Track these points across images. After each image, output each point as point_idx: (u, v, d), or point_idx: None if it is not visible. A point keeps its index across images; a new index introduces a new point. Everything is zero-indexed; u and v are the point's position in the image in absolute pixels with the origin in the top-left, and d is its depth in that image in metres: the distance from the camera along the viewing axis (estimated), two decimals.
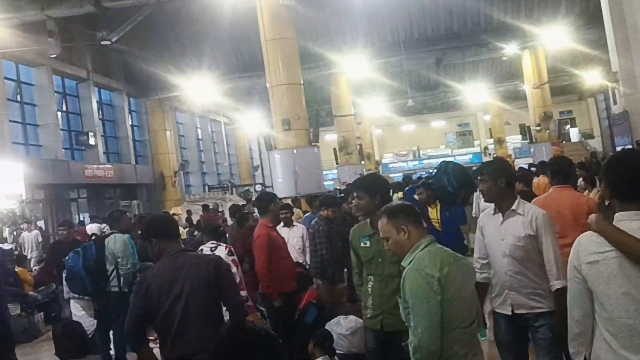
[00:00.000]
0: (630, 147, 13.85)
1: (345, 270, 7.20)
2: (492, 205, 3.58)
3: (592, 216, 2.17)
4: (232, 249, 5.95)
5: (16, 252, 12.43)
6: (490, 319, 3.64)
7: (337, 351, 4.66)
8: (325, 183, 15.82)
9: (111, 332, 6.46)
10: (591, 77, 24.66)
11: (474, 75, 27.74)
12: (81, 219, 18.52)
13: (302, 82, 13.50)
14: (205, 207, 16.18)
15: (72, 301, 7.56)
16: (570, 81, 28.65)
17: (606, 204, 3.58)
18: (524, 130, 26.99)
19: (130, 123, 23.27)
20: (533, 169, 13.27)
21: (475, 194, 9.75)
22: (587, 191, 6.72)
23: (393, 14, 20.56)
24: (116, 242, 6.31)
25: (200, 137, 30.09)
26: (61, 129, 19.00)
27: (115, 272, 6.29)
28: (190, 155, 28.10)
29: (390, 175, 25.72)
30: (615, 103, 18.19)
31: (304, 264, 6.93)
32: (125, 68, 22.60)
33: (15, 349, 8.08)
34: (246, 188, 29.85)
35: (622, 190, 2.09)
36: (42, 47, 15.50)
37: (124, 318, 6.17)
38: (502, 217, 3.47)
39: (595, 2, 18.57)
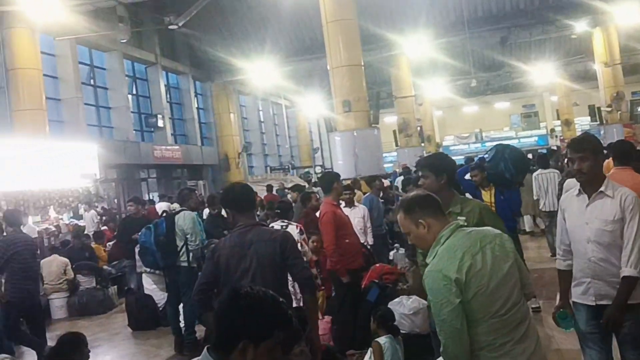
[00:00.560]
0: None
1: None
2: (576, 185, 3.30)
3: None
4: (302, 228, 6.04)
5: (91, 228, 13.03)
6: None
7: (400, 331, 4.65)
8: (384, 165, 15.69)
9: (181, 306, 6.66)
10: None
11: (540, 55, 26.62)
12: (150, 197, 19.20)
13: (362, 64, 13.38)
14: (269, 188, 16.41)
15: (144, 275, 7.90)
16: None
17: None
18: (594, 112, 25.74)
19: (196, 106, 23.83)
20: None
21: (533, 174, 9.43)
22: None
23: None
24: (185, 219, 6.48)
25: (262, 120, 30.48)
26: (131, 112, 19.68)
27: (184, 247, 6.48)
28: (253, 137, 28.52)
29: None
30: None
31: (365, 244, 6.92)
32: (191, 52, 23.10)
33: (91, 320, 8.57)
34: (306, 170, 30.11)
35: None
36: (114, 33, 16.07)
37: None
38: (588, 200, 3.17)
39: None
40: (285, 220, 5.95)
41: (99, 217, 13.78)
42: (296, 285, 5.63)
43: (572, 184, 3.45)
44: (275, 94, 28.85)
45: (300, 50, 22.15)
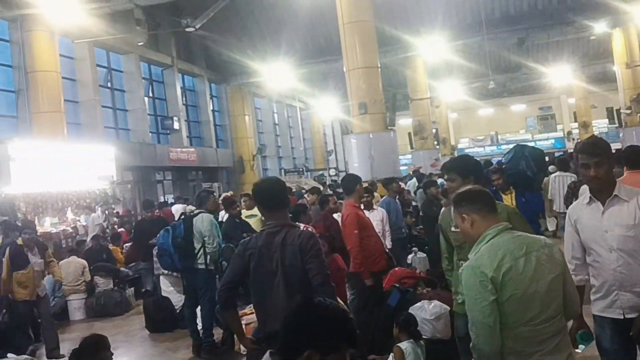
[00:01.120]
0: None
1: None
2: (586, 192, 3.06)
3: None
4: (313, 229, 5.95)
5: (108, 230, 13.11)
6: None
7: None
8: (400, 168, 15.59)
9: (198, 308, 6.64)
10: None
11: (558, 56, 26.35)
12: (165, 199, 19.27)
13: (379, 66, 13.31)
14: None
15: (161, 277, 7.91)
16: None
17: None
18: (612, 114, 25.45)
19: (211, 108, 23.91)
20: None
21: (551, 176, 9.32)
22: None
23: None
24: (203, 222, 6.47)
25: (276, 122, 30.52)
26: (148, 114, 19.79)
27: (202, 250, 6.46)
28: (268, 139, 28.55)
29: None
30: None
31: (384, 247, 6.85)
32: (207, 55, 23.20)
33: (108, 321, 8.60)
34: (320, 172, 30.07)
35: None
36: (131, 35, 16.17)
37: (211, 294, 6.42)
38: (603, 206, 2.95)
39: None
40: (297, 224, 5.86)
41: (113, 220, 13.85)
42: None
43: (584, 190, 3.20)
44: (290, 96, 28.88)
45: (316, 53, 22.14)
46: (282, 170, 28.88)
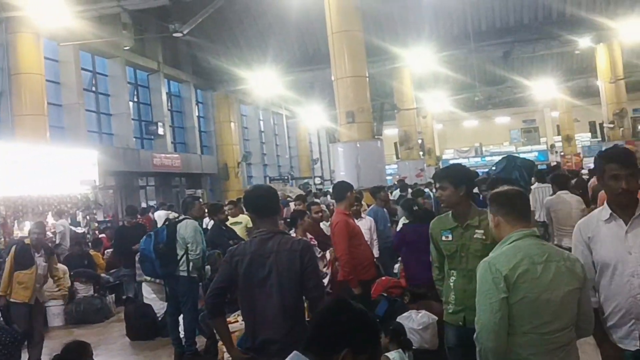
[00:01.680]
0: None
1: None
2: (597, 210, 2.81)
3: None
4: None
5: (89, 235, 12.93)
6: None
7: None
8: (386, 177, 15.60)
9: (181, 316, 6.54)
10: None
11: (542, 70, 26.71)
12: (147, 205, 19.07)
13: (367, 75, 13.35)
14: None
15: (143, 284, 7.78)
16: None
17: None
18: (594, 128, 25.80)
19: (197, 114, 23.79)
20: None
21: (532, 187, 9.44)
22: None
23: (461, 5, 20.02)
24: (187, 228, 6.36)
25: (262, 130, 30.46)
26: (132, 119, 19.60)
27: (185, 256, 6.36)
28: (253, 147, 28.46)
29: None
30: None
31: None
32: (193, 61, 23.11)
33: (88, 328, 8.43)
34: (305, 181, 30.04)
35: None
36: (117, 39, 16.04)
37: (193, 302, 6.32)
38: (626, 225, 2.65)
39: None
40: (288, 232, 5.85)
41: (94, 225, 13.68)
42: None
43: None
44: (277, 104, 28.86)
45: (303, 61, 22.17)
46: (267, 178, 28.79)
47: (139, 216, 11.04)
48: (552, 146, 36.30)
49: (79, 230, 13.32)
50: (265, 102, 27.88)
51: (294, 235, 5.88)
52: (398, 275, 7.23)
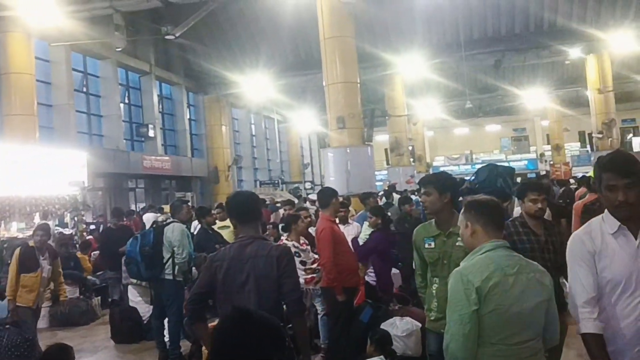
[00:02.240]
0: None
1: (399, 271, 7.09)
2: (597, 219, 2.52)
3: None
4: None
5: (76, 237, 12.84)
6: None
7: None
8: (375, 183, 15.63)
9: (166, 320, 6.51)
10: None
11: (533, 79, 26.92)
12: (136, 208, 18.99)
13: (358, 81, 13.40)
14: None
15: (129, 287, 7.74)
16: (635, 88, 27.42)
17: None
18: (584, 138, 26.02)
19: (188, 117, 23.74)
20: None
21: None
22: None
23: (453, 13, 20.16)
24: (174, 231, 6.35)
25: (254, 133, 30.44)
26: (123, 120, 19.54)
27: (171, 260, 6.34)
28: (244, 150, 28.43)
29: None
30: None
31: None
32: (185, 63, 23.07)
33: (73, 331, 8.38)
34: (296, 185, 30.05)
35: None
36: (109, 40, 15.99)
37: (178, 305, 6.30)
38: (636, 239, 2.40)
39: None
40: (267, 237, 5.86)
41: (82, 227, 13.57)
42: (300, 272, 5.57)
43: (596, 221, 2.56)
44: (269, 108, 28.87)
45: (295, 66, 22.20)
46: (257, 182, 28.77)
47: (125, 219, 11.00)
48: (542, 155, 36.52)
49: (67, 231, 13.23)
50: (257, 106, 27.88)
51: (285, 239, 5.90)
52: None
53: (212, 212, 8.88)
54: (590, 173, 14.15)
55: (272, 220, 10.52)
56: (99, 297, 9.61)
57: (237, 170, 26.79)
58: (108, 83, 18.74)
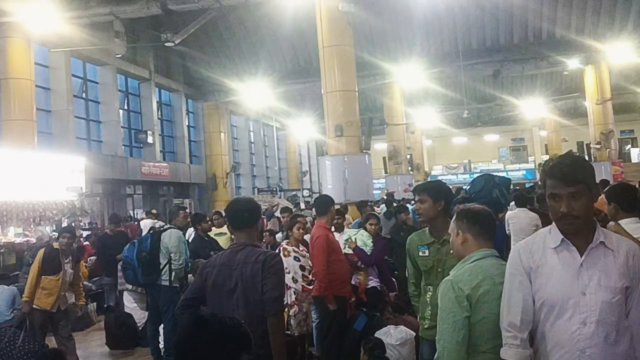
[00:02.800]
0: None
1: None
2: (544, 231, 2.25)
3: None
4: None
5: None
6: None
7: None
8: (373, 192, 15.66)
9: (162, 327, 6.51)
10: None
11: (531, 89, 27.02)
12: (134, 214, 18.98)
13: (356, 90, 13.46)
14: None
15: (125, 293, 7.74)
16: (633, 99, 27.52)
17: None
18: (582, 148, 26.03)
19: (187, 124, 23.78)
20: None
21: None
22: None
23: (452, 23, 20.28)
24: (171, 237, 6.38)
25: (252, 141, 30.49)
26: (122, 127, 19.57)
27: (167, 266, 6.35)
28: (242, 157, 28.47)
29: None
30: None
31: None
32: (185, 70, 23.15)
33: None
34: (294, 193, 30.05)
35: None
36: (109, 47, 16.05)
37: (174, 312, 6.28)
38: (581, 255, 2.10)
39: None
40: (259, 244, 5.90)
41: (79, 232, 13.56)
42: (298, 277, 5.56)
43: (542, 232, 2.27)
44: (267, 115, 28.94)
45: (294, 73, 22.29)
46: (256, 189, 28.77)
47: (122, 225, 10.99)
48: (540, 165, 36.53)
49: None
50: (255, 114, 27.95)
51: (285, 244, 5.90)
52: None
53: (211, 218, 8.90)
54: None
55: (268, 227, 10.53)
56: (95, 303, 9.59)
57: (235, 177, 26.80)
58: (107, 89, 18.79)
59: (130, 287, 7.35)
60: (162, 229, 6.66)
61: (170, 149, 23.14)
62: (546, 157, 34.44)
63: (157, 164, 20.32)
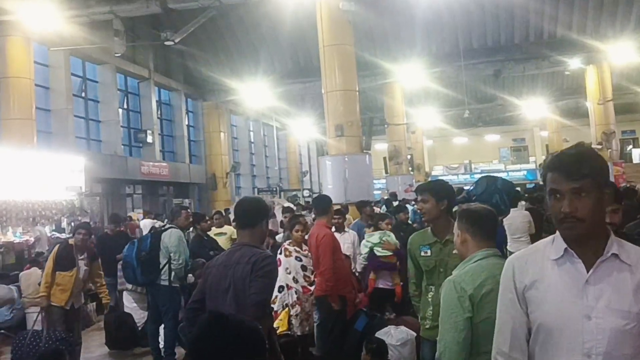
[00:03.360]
0: None
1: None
2: (545, 240, 1.85)
3: None
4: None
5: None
6: None
7: None
8: (374, 192, 15.66)
9: (162, 327, 6.52)
10: None
11: (532, 89, 27.03)
12: (130, 214, 18.95)
13: (357, 89, 13.46)
14: None
15: (124, 293, 7.75)
16: (635, 99, 27.53)
17: None
18: None
19: (186, 123, 23.78)
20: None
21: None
22: None
23: (452, 23, 20.28)
24: (171, 237, 6.39)
25: (252, 140, 30.50)
26: (121, 126, 19.57)
27: (167, 266, 6.36)
28: (242, 157, 28.47)
29: None
30: None
31: (353, 270, 6.84)
32: (185, 69, 23.15)
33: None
34: (294, 193, 30.03)
35: None
36: (108, 46, 16.06)
37: (174, 311, 6.31)
38: (588, 270, 1.71)
39: None
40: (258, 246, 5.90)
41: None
42: (299, 277, 5.55)
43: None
44: (267, 115, 28.95)
45: (295, 73, 22.29)
46: (256, 189, 28.77)
47: (122, 225, 10.98)
48: (541, 165, 36.57)
49: (63, 236, 13.23)
50: (255, 113, 27.96)
51: (287, 244, 5.90)
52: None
53: (212, 218, 8.91)
54: None
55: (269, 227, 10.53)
56: (94, 303, 9.59)
57: (235, 177, 26.81)
58: (107, 88, 18.79)
59: (130, 286, 7.37)
60: (162, 228, 6.67)
61: (170, 148, 23.15)
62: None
63: (156, 164, 20.33)
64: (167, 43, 15.58)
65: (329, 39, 13.01)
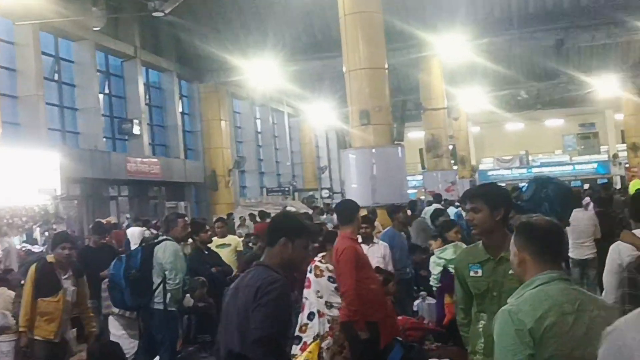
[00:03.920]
0: None
1: None
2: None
3: None
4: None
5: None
6: None
7: None
8: (408, 191, 15.64)
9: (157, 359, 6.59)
10: None
11: (604, 63, 26.69)
12: (119, 220, 19.16)
13: (386, 67, 13.45)
14: (262, 214, 16.36)
15: (110, 318, 7.83)
16: None
17: None
18: None
19: (180, 110, 23.99)
20: None
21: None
22: None
23: None
24: (166, 252, 6.39)
25: (259, 130, 30.63)
26: (102, 115, 19.79)
27: (162, 286, 6.40)
28: (248, 151, 28.62)
29: None
30: None
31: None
32: (177, 46, 23.30)
33: None
34: (310, 193, 30.11)
35: None
36: (85, 18, 16.22)
37: (171, 340, 6.37)
38: None
39: None
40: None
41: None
42: (333, 301, 5.61)
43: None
44: (277, 99, 29.04)
45: (310, 48, 22.31)
46: (264, 189, 28.90)
47: (107, 236, 11.11)
48: (615, 156, 36.18)
49: (36, 249, 13.43)
50: (263, 97, 28.06)
51: (319, 260, 5.90)
52: (418, 314, 7.28)
53: (213, 226, 8.97)
54: None
55: None
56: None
57: (239, 175, 26.97)
58: (84, 69, 18.98)
59: (116, 310, 7.44)
60: (154, 241, 6.72)
61: (161, 141, 23.36)
62: (623, 147, 34.07)
63: (145, 160, 20.54)
64: (155, 14, 15.70)
65: (351, 6, 13.02)
